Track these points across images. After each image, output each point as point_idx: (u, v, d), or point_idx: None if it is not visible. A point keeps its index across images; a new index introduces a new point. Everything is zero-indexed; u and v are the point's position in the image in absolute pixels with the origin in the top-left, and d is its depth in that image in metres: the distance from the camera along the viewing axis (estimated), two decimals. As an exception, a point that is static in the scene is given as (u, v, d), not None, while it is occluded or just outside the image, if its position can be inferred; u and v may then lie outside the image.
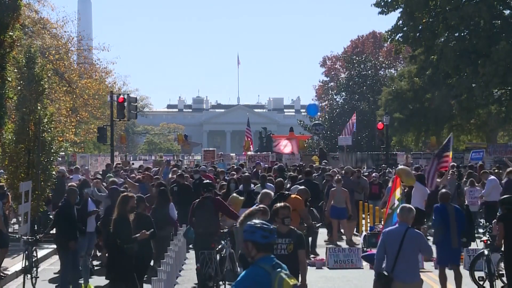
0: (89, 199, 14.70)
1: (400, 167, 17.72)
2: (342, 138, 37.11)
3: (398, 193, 14.79)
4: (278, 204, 9.05)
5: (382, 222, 17.54)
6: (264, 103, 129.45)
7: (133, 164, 34.55)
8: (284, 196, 12.55)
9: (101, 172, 26.28)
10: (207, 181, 14.30)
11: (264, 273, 5.87)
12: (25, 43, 25.35)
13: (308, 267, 14.49)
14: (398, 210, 9.57)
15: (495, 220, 12.03)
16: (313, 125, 46.06)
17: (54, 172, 20.74)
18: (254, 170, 25.32)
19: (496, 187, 19.98)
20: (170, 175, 22.07)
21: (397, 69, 64.28)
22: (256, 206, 11.47)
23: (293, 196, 12.66)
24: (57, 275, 14.95)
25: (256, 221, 6.13)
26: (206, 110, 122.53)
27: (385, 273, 9.01)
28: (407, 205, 9.72)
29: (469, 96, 37.03)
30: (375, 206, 20.84)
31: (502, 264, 12.46)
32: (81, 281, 13.46)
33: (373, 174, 25.09)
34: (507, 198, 11.75)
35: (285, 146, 37.61)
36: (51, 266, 16.08)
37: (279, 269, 5.84)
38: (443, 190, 13.81)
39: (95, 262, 16.12)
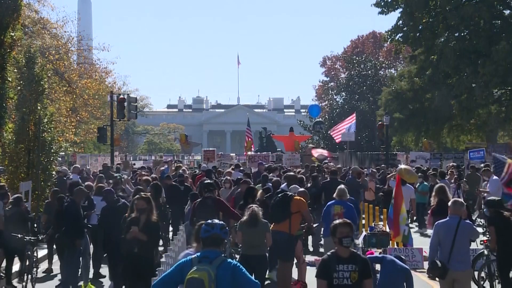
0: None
1: (401, 166, 17.71)
2: (345, 134, 36.90)
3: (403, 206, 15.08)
4: (337, 221, 7.48)
5: (383, 223, 17.54)
6: (264, 103, 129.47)
7: (134, 164, 34.51)
8: (288, 197, 12.43)
9: (98, 173, 26.26)
10: (208, 181, 14.30)
11: (189, 263, 6.19)
12: (25, 43, 25.36)
13: (309, 267, 14.55)
14: (450, 204, 10.26)
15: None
16: (314, 124, 46.01)
17: (54, 172, 20.76)
18: (256, 170, 25.34)
19: (500, 187, 19.99)
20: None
21: (397, 69, 64.27)
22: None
23: (297, 197, 12.49)
24: (55, 274, 15.02)
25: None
26: (206, 110, 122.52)
27: (439, 263, 9.67)
28: (459, 199, 10.53)
29: (469, 96, 37.01)
30: (374, 206, 20.89)
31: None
32: (81, 282, 13.48)
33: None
34: (494, 201, 11.79)
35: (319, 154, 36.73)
36: (51, 266, 16.05)
37: (204, 264, 6.07)
38: (341, 186, 14.05)
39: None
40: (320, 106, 68.59)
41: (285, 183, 15.91)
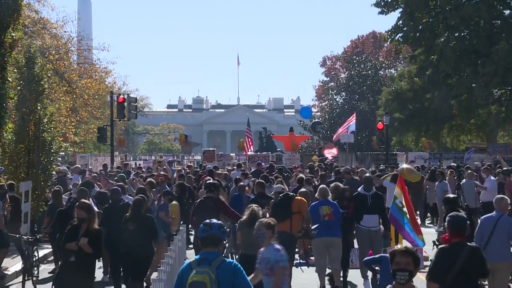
0: (91, 199, 14.75)
1: (401, 166, 17.66)
2: (344, 136, 36.94)
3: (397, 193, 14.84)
4: (397, 248, 5.80)
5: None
6: (264, 103, 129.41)
7: (139, 165, 34.45)
8: (290, 197, 12.37)
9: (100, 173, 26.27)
10: (210, 181, 14.30)
11: (189, 267, 6.21)
12: (25, 43, 25.35)
13: (309, 267, 14.55)
14: (494, 200, 11.27)
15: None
16: (313, 124, 46.01)
17: (54, 172, 20.76)
18: (255, 170, 25.38)
19: (495, 187, 20.10)
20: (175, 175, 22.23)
21: (397, 69, 64.28)
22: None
23: (298, 197, 12.41)
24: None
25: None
26: (206, 110, 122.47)
27: None
28: (505, 196, 11.48)
29: (469, 96, 37.03)
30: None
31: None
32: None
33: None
34: (450, 198, 12.01)
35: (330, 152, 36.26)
36: (51, 266, 16.07)
37: (204, 266, 6.08)
38: (323, 186, 13.85)
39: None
40: (319, 106, 68.88)
41: (362, 186, 14.47)
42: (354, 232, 13.68)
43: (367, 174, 16.39)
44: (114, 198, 13.36)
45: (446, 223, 7.97)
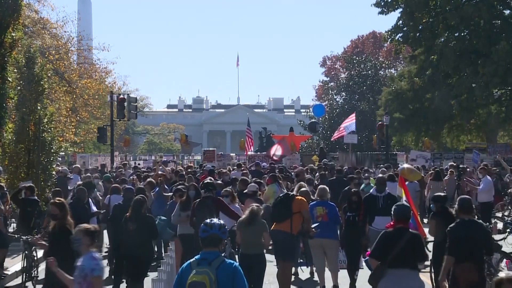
0: (90, 199, 14.78)
1: (402, 166, 17.67)
2: (348, 136, 36.78)
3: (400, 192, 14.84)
4: (503, 275, 5.25)
5: None
6: (264, 103, 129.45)
7: (139, 165, 34.43)
8: (290, 197, 12.37)
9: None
10: (208, 181, 14.28)
11: (189, 267, 6.19)
12: (25, 43, 25.38)
13: (308, 267, 14.55)
14: None
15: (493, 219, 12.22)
16: (310, 124, 45.86)
17: (54, 172, 20.77)
18: (254, 170, 25.37)
19: (491, 188, 20.11)
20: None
21: (397, 69, 64.28)
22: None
23: (298, 197, 12.42)
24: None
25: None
26: (206, 110, 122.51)
27: None
28: None
29: (469, 96, 37.04)
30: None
31: (502, 264, 12.45)
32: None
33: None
34: (440, 196, 11.98)
35: (276, 150, 36.27)
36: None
37: (203, 266, 6.06)
38: (322, 186, 13.75)
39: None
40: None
41: (374, 187, 14.23)
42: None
43: (380, 175, 16.08)
44: (127, 197, 13.38)
45: (392, 212, 8.79)
